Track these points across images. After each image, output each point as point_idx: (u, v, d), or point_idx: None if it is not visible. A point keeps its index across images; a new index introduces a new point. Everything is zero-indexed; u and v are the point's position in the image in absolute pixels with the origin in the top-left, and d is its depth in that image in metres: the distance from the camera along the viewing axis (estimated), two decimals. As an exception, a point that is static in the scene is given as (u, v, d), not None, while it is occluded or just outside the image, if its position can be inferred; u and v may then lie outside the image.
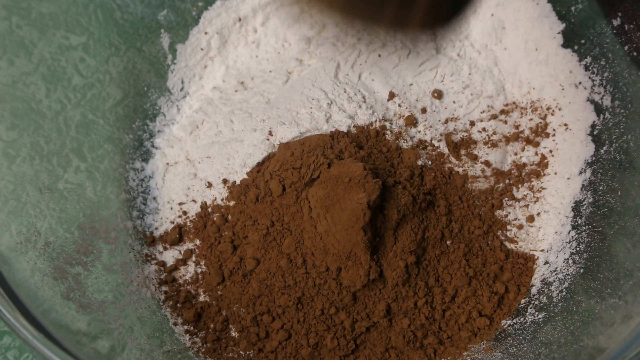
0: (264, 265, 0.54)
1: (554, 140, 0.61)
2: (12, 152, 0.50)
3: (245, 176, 0.58)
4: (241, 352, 0.54)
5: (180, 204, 0.60)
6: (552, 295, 0.54)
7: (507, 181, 0.60)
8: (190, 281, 0.57)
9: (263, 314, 0.54)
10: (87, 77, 0.58)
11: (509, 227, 0.58)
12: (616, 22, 0.59)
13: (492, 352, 0.52)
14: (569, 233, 0.57)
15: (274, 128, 0.59)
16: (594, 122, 0.60)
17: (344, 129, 0.59)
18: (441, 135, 0.61)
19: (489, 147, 0.61)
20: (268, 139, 0.59)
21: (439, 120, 0.62)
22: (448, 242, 0.55)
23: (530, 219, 0.58)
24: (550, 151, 0.61)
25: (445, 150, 0.60)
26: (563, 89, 0.62)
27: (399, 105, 0.62)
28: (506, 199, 0.59)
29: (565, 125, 0.61)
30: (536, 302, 0.54)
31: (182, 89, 0.66)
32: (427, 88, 0.64)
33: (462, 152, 0.61)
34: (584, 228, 0.56)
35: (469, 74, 0.64)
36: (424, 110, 0.62)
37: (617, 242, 0.53)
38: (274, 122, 0.60)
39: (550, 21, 0.63)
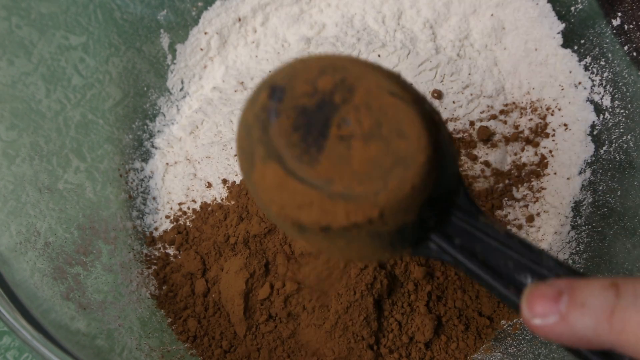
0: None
1: (553, 140, 0.61)
2: (12, 152, 0.50)
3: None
4: (241, 352, 0.54)
5: (180, 204, 0.60)
6: (551, 296, 0.53)
7: (506, 181, 0.60)
8: (190, 281, 0.57)
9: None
10: (87, 77, 0.58)
11: (508, 227, 0.58)
12: (616, 22, 0.59)
13: (492, 352, 0.52)
14: (568, 233, 0.57)
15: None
16: (594, 122, 0.60)
17: (343, 129, 0.59)
18: (441, 135, 0.61)
19: (488, 147, 0.61)
20: (268, 139, 0.59)
21: (439, 121, 0.62)
22: (448, 242, 0.55)
23: (530, 219, 0.58)
24: (550, 151, 0.61)
25: (445, 151, 0.60)
26: (563, 89, 0.62)
27: (399, 106, 0.62)
28: (506, 199, 0.59)
29: (565, 125, 0.61)
30: (536, 302, 0.54)
31: (181, 89, 0.66)
32: (426, 88, 0.64)
33: (462, 152, 0.61)
34: (584, 228, 0.56)
35: (469, 74, 0.64)
36: (423, 111, 0.62)
37: (616, 243, 0.53)
38: (274, 122, 0.60)
39: (549, 21, 0.63)
